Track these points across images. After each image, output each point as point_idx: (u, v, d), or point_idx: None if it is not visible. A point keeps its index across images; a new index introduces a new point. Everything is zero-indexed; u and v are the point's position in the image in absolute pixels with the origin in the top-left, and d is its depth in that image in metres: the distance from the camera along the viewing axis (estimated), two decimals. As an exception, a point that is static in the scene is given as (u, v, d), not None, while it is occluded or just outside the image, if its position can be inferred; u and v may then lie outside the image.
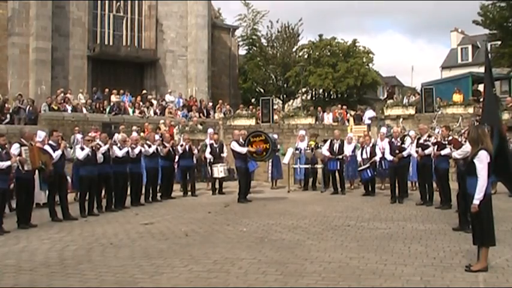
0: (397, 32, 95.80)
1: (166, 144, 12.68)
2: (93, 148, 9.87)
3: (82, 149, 9.86)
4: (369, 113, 20.60)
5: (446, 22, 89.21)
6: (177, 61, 27.67)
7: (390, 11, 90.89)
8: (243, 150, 11.61)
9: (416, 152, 10.47)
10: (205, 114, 22.53)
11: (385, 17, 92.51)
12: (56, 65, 23.51)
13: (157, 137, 13.15)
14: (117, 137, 12.21)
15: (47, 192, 9.90)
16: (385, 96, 26.64)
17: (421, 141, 10.45)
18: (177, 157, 13.27)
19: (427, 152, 10.09)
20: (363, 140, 13.56)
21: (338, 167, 13.00)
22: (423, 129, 10.75)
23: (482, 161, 5.36)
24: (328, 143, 13.43)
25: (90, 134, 11.48)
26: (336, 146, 13.07)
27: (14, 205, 9.94)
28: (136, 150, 11.27)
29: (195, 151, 13.94)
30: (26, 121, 17.59)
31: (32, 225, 8.64)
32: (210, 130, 15.14)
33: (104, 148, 10.20)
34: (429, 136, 10.31)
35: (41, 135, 9.77)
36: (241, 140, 11.98)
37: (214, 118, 22.10)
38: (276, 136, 13.90)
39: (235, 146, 11.85)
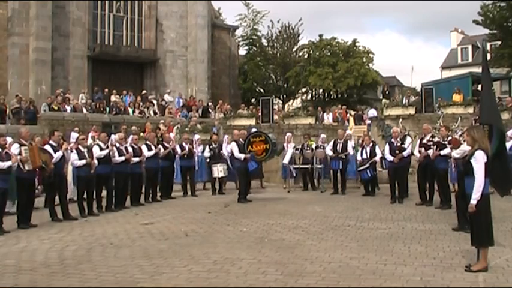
0: (395, 31, 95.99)
1: (167, 145, 12.70)
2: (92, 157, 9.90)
3: (79, 155, 9.81)
4: (372, 112, 20.64)
5: (445, 22, 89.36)
6: (177, 61, 27.69)
7: (388, 10, 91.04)
8: (241, 156, 11.63)
9: (420, 152, 10.45)
10: (204, 114, 22.52)
11: (382, 15, 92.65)
12: (56, 65, 23.53)
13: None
14: (132, 137, 12.12)
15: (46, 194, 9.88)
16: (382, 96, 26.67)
17: (425, 141, 10.42)
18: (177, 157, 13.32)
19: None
20: (363, 140, 13.54)
21: (340, 167, 13.01)
22: (427, 129, 10.71)
23: (478, 161, 5.37)
24: (331, 142, 13.43)
25: (90, 134, 11.50)
26: (339, 146, 13.06)
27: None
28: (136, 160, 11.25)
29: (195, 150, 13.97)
30: (26, 121, 17.59)
31: (32, 225, 8.63)
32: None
33: (102, 153, 10.21)
34: (432, 136, 10.26)
35: (73, 136, 9.94)
36: (241, 140, 11.98)
37: (214, 118, 22.09)
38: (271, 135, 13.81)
39: (234, 148, 11.86)
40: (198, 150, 14.13)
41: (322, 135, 14.44)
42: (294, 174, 14.48)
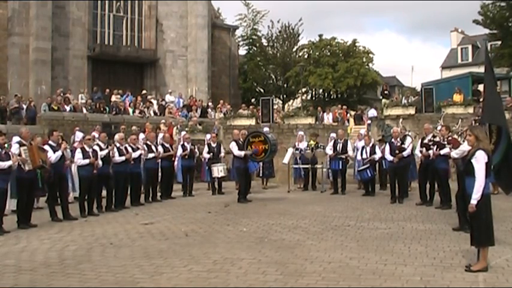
0: (394, 31, 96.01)
1: (166, 145, 12.70)
2: (94, 156, 9.90)
3: (84, 154, 9.82)
4: (372, 112, 20.64)
5: (445, 22, 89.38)
6: (177, 61, 27.69)
7: (387, 10, 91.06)
8: (241, 153, 11.61)
9: (421, 152, 10.44)
10: (204, 114, 22.51)
11: (381, 15, 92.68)
12: (56, 65, 23.54)
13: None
14: (142, 136, 12.13)
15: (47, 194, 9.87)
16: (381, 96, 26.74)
17: (425, 141, 10.41)
18: (177, 157, 13.32)
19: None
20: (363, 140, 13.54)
21: (340, 167, 13.00)
22: (428, 129, 10.71)
23: (479, 161, 5.37)
24: (331, 142, 13.41)
25: (93, 134, 11.50)
26: (340, 146, 13.05)
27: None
28: (136, 154, 11.24)
29: (195, 150, 13.98)
30: (26, 121, 17.59)
31: (32, 225, 8.63)
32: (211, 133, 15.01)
33: (102, 153, 10.22)
34: (434, 136, 10.25)
35: (79, 135, 9.92)
36: (240, 139, 11.97)
37: (214, 118, 22.09)
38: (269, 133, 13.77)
39: (233, 147, 11.85)
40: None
41: (332, 134, 14.37)
42: (302, 175, 14.46)
